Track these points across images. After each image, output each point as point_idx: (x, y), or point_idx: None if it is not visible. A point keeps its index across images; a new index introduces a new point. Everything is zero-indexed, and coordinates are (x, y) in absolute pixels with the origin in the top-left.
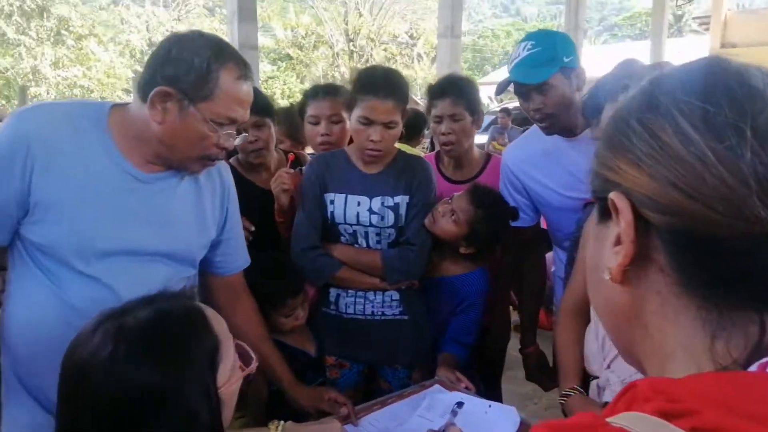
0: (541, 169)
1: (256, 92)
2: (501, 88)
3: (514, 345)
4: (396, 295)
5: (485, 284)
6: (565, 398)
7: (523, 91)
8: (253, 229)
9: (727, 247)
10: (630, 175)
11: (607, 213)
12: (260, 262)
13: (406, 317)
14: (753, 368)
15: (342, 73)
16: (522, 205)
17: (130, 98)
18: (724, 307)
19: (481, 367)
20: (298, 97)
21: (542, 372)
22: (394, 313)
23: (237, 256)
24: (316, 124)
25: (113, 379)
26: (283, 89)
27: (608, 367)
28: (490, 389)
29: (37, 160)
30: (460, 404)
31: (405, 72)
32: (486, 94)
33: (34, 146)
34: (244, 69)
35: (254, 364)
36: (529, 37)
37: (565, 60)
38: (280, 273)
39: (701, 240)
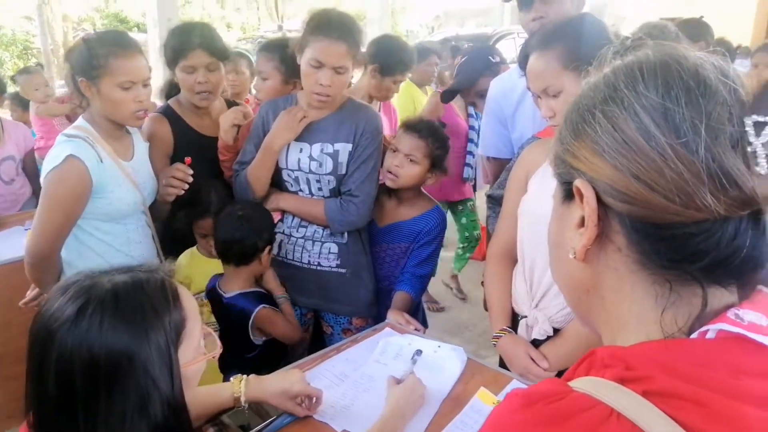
0: (525, 102)
1: (214, 34)
2: None
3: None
4: (334, 248)
5: (442, 220)
6: (496, 339)
7: None
8: (191, 172)
9: (681, 232)
10: (595, 166)
11: (569, 196)
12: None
13: (343, 270)
14: (694, 335)
15: None
16: (503, 137)
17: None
18: (675, 282)
19: None
20: (217, 26)
21: None
22: (331, 265)
23: None
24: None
25: (80, 338)
26: (203, 15)
27: (536, 306)
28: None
29: None
30: (419, 352)
31: None
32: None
33: None
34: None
35: (218, 351)
36: None
37: None
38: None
39: (658, 225)
